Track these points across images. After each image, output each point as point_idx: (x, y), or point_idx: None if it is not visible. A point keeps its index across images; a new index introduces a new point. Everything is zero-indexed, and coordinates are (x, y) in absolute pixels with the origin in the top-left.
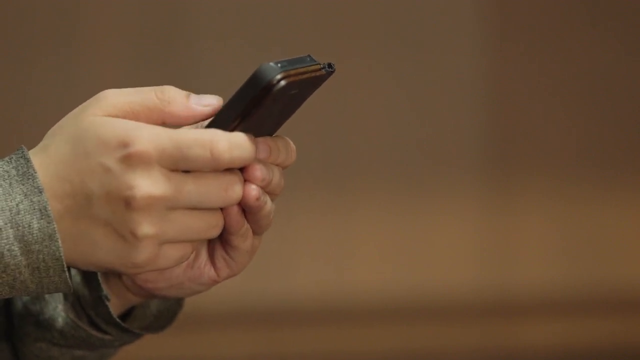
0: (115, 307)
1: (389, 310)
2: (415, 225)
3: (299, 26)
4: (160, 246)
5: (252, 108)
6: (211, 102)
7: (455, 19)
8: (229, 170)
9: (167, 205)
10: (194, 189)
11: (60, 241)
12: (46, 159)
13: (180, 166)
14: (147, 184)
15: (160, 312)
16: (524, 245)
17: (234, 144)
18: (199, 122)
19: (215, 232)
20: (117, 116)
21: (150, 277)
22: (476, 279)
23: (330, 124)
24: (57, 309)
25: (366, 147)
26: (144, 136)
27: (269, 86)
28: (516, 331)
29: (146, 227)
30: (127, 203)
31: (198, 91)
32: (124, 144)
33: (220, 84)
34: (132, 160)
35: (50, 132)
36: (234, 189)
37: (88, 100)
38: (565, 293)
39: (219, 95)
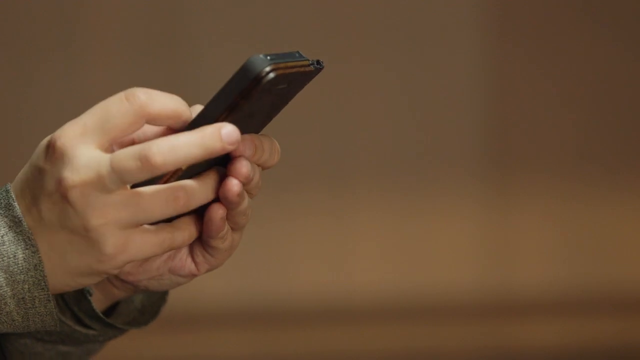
0: (99, 302)
1: (389, 310)
2: (416, 225)
3: (298, 26)
4: (123, 230)
5: (241, 99)
6: None
7: (455, 19)
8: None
9: (98, 189)
10: (110, 167)
11: (45, 271)
12: (13, 183)
13: (103, 141)
14: (71, 174)
15: (145, 307)
16: (524, 245)
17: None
18: None
19: (180, 205)
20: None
21: (131, 269)
22: (476, 279)
23: (330, 123)
24: None
25: (366, 147)
26: (64, 129)
27: (259, 78)
28: (516, 331)
29: (92, 218)
30: (64, 198)
31: (199, 91)
32: (50, 144)
33: (221, 84)
34: (56, 155)
35: None
36: (147, 158)
37: None
38: (565, 293)
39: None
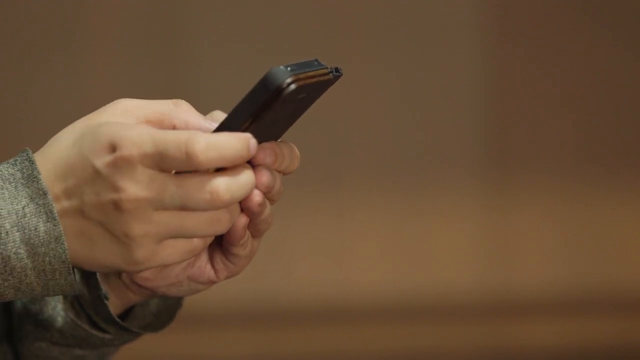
0: (115, 306)
1: (389, 310)
2: (415, 225)
3: (298, 26)
4: (159, 243)
5: (262, 111)
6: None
7: (455, 19)
8: (221, 171)
9: (153, 206)
10: (175, 190)
11: (66, 244)
12: (47, 156)
13: (162, 167)
14: (132, 187)
15: (160, 310)
16: (524, 245)
17: (211, 144)
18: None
19: (221, 227)
20: (128, 121)
21: (150, 276)
22: (476, 279)
23: (330, 123)
24: (57, 309)
25: (366, 147)
26: (130, 139)
27: (280, 89)
28: (516, 331)
29: (136, 228)
30: (116, 205)
31: (199, 91)
32: (112, 148)
33: (221, 84)
34: (118, 164)
35: (61, 131)
36: (217, 193)
37: (105, 106)
38: (565, 293)
39: (221, 96)
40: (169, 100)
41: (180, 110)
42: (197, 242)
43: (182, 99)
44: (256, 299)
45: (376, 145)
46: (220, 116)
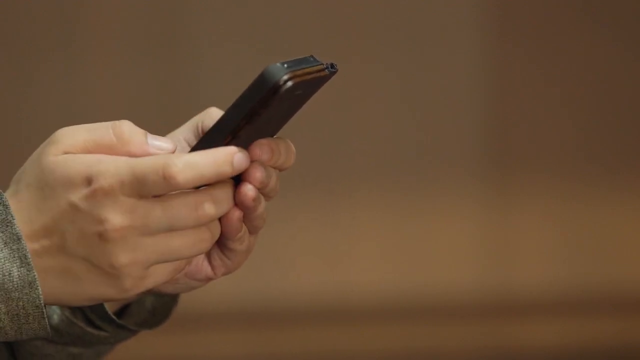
0: (110, 304)
1: (388, 310)
2: (416, 225)
3: (298, 26)
4: (146, 270)
5: (259, 109)
6: (165, 148)
7: (455, 19)
8: (202, 188)
9: (140, 233)
10: (162, 213)
11: (40, 289)
12: (17, 204)
13: (141, 193)
14: (116, 216)
15: (156, 308)
16: (524, 245)
17: (187, 165)
18: None
19: (205, 246)
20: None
21: None
22: (476, 279)
23: (329, 122)
24: (52, 306)
25: (365, 147)
26: (106, 170)
27: (277, 86)
28: (516, 331)
29: (122, 257)
30: (101, 236)
31: (199, 91)
32: (88, 181)
33: (221, 84)
34: (97, 196)
35: (15, 177)
36: (203, 207)
37: (44, 142)
38: (565, 293)
39: (221, 96)
40: (110, 128)
41: (123, 142)
42: (180, 264)
43: (182, 99)
44: (254, 299)
45: (376, 145)
46: (216, 113)
